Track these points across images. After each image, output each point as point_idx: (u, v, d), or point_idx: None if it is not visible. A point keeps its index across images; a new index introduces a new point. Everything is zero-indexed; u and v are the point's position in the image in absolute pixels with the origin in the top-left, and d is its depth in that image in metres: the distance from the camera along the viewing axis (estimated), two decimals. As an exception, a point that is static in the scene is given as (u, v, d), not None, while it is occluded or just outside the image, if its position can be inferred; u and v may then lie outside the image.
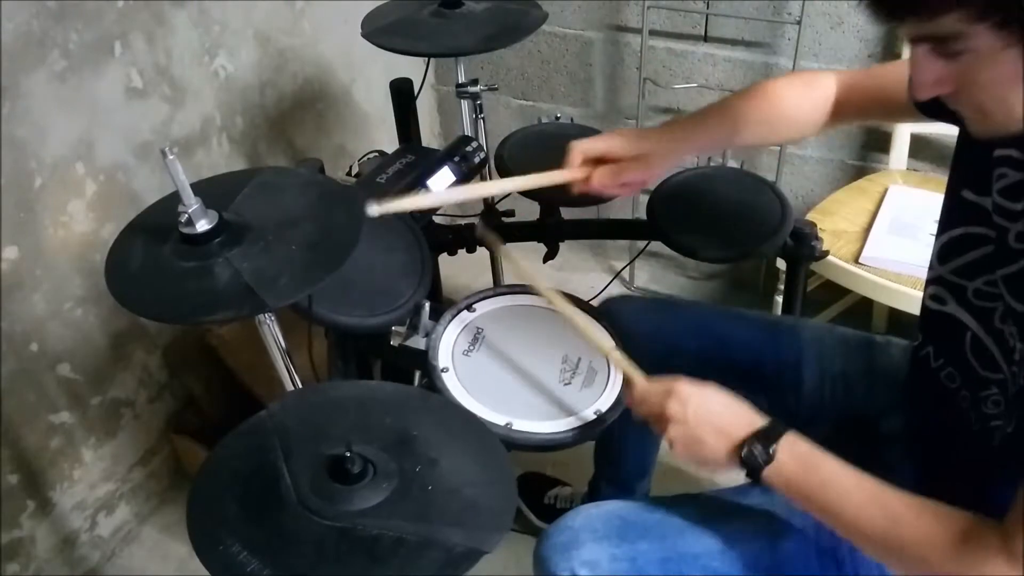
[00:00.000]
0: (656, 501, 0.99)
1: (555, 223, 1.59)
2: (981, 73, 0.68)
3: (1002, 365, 0.80)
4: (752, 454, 0.82)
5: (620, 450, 1.42)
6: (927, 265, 0.95)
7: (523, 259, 1.18)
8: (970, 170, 0.86)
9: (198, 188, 0.87)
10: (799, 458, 0.82)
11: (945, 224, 0.88)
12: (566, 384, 1.10)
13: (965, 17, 0.63)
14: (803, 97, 1.09)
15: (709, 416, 0.87)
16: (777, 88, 1.10)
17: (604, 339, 1.09)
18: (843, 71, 1.11)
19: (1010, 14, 0.62)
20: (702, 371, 1.14)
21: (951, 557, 0.72)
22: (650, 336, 1.15)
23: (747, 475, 0.84)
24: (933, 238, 0.94)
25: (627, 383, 0.99)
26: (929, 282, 0.89)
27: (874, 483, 0.78)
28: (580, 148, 1.07)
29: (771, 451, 0.82)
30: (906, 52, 0.76)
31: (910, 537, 0.75)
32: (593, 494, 1.54)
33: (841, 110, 1.09)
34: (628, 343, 1.17)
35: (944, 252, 0.87)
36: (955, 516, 0.74)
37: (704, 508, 0.96)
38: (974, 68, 0.68)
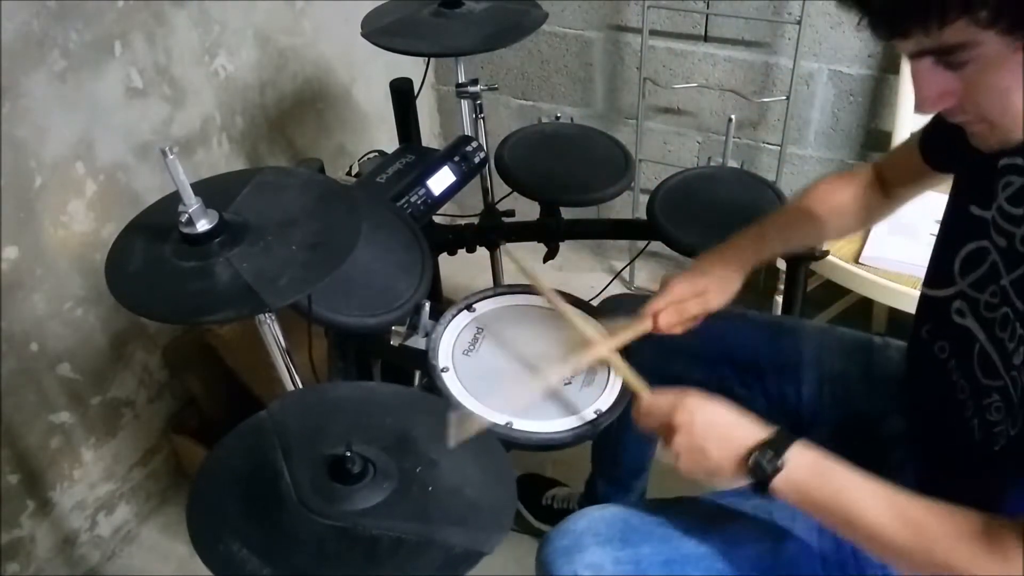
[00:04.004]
0: (659, 504, 0.99)
1: (555, 223, 1.59)
2: (986, 80, 0.66)
3: (1002, 372, 0.80)
4: (759, 463, 0.80)
5: (617, 448, 1.42)
6: (926, 265, 0.95)
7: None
8: (975, 186, 0.86)
9: (198, 188, 0.87)
10: (810, 466, 0.80)
11: (961, 239, 0.88)
12: (566, 384, 1.10)
13: (973, 24, 0.62)
14: (844, 191, 1.11)
15: (715, 427, 0.85)
16: (819, 191, 1.12)
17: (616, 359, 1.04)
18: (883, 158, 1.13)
19: (1019, 18, 0.61)
20: (701, 371, 1.14)
21: (976, 555, 0.72)
22: (650, 335, 1.14)
23: (755, 486, 0.82)
24: (933, 238, 0.95)
25: (634, 396, 0.97)
26: (954, 297, 0.88)
27: (890, 489, 0.77)
28: (652, 309, 1.07)
29: (780, 460, 0.80)
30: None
31: (933, 540, 0.74)
32: (590, 492, 1.54)
33: (891, 191, 1.10)
34: (627, 343, 1.16)
35: (963, 267, 0.87)
36: (972, 516, 0.74)
37: (707, 510, 0.96)
38: (980, 76, 0.66)
